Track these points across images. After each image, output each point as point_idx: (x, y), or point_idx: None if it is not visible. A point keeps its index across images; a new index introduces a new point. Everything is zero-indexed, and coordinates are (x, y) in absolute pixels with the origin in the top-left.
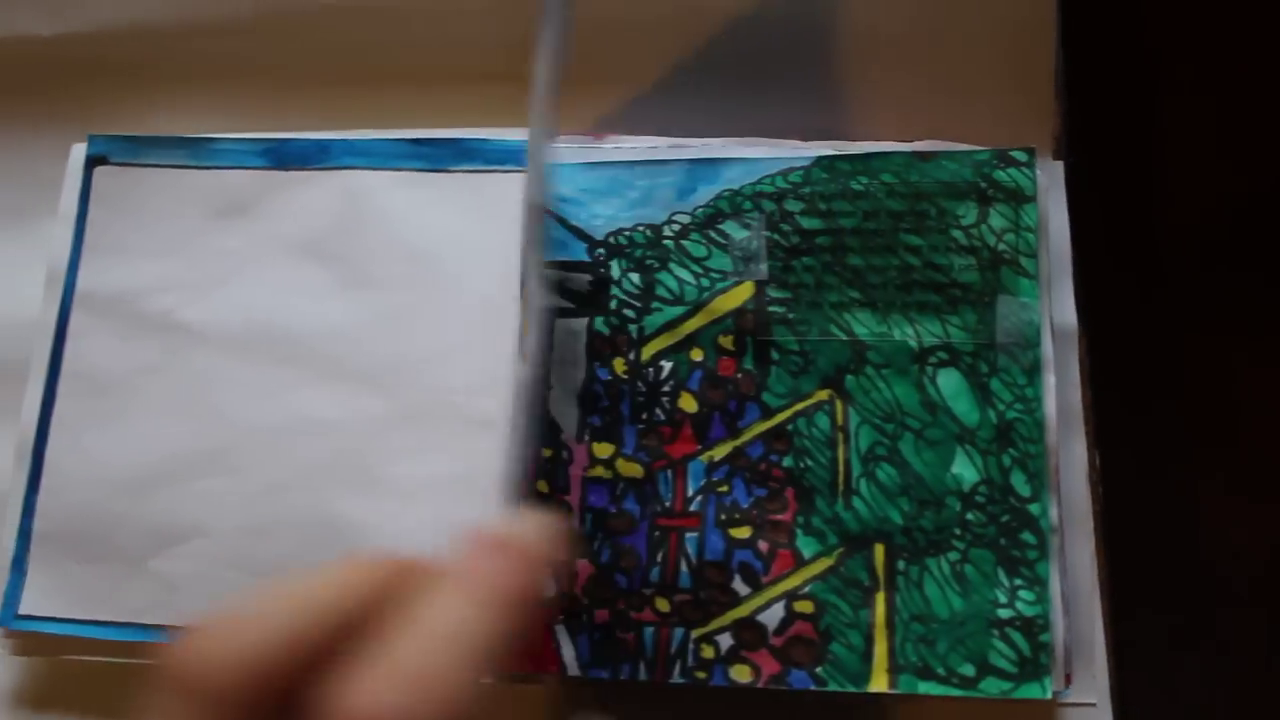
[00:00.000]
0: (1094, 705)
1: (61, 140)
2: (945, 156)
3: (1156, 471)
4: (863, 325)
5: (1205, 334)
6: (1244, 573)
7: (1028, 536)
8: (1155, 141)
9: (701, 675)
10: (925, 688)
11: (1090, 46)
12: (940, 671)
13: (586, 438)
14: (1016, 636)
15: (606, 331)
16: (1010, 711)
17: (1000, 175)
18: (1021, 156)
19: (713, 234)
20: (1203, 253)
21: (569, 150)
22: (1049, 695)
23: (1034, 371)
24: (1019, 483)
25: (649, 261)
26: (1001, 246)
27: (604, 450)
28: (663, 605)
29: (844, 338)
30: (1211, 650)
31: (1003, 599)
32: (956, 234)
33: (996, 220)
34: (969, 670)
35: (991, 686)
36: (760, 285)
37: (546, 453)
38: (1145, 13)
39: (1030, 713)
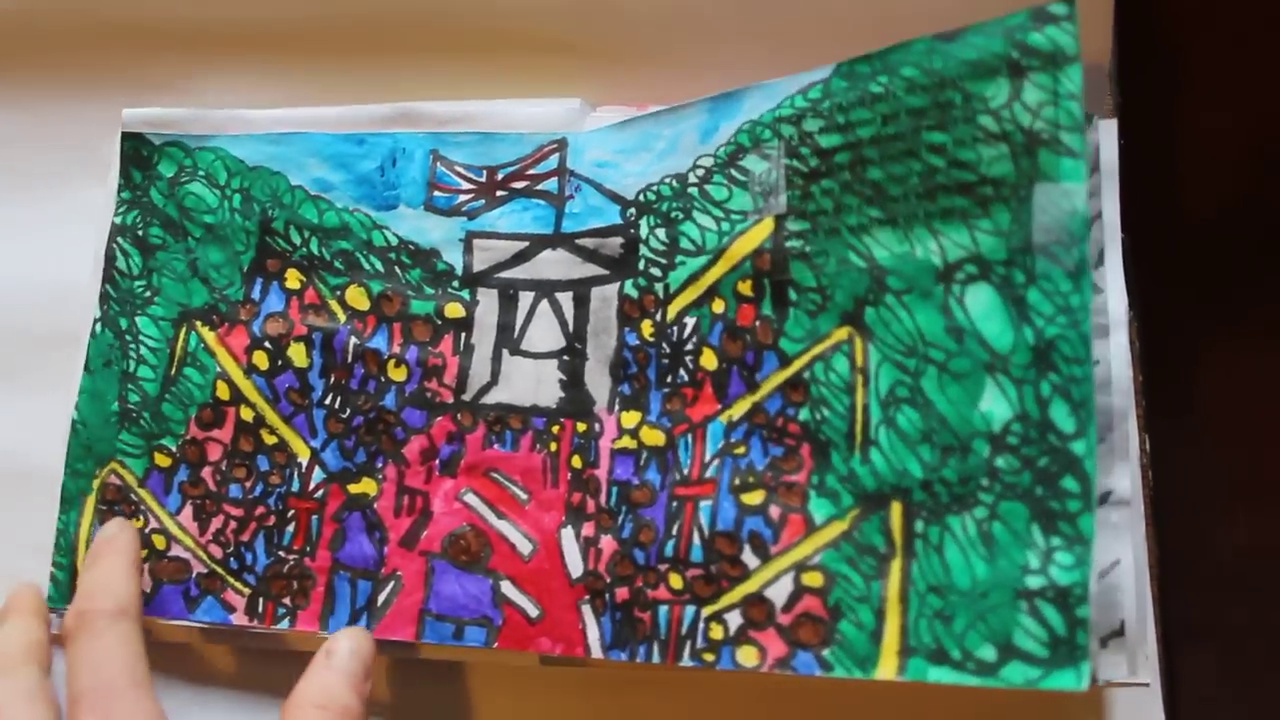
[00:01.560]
0: (1147, 685)
1: (109, 108)
2: (973, 31)
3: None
4: (883, 248)
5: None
6: None
7: (1069, 483)
8: (1175, 124)
9: (710, 658)
10: (936, 674)
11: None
12: (955, 655)
13: (616, 407)
14: (1048, 610)
15: (635, 294)
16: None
17: (1036, 38)
18: (1061, 9)
19: (733, 172)
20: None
21: (611, 119)
22: (1083, 685)
23: (1079, 274)
24: (1060, 416)
25: (674, 214)
26: (1038, 125)
27: (631, 419)
28: (676, 581)
29: (862, 265)
30: (1262, 632)
31: (1034, 564)
32: (985, 120)
33: (1031, 94)
34: (988, 654)
35: (1015, 674)
36: (779, 220)
37: (581, 427)
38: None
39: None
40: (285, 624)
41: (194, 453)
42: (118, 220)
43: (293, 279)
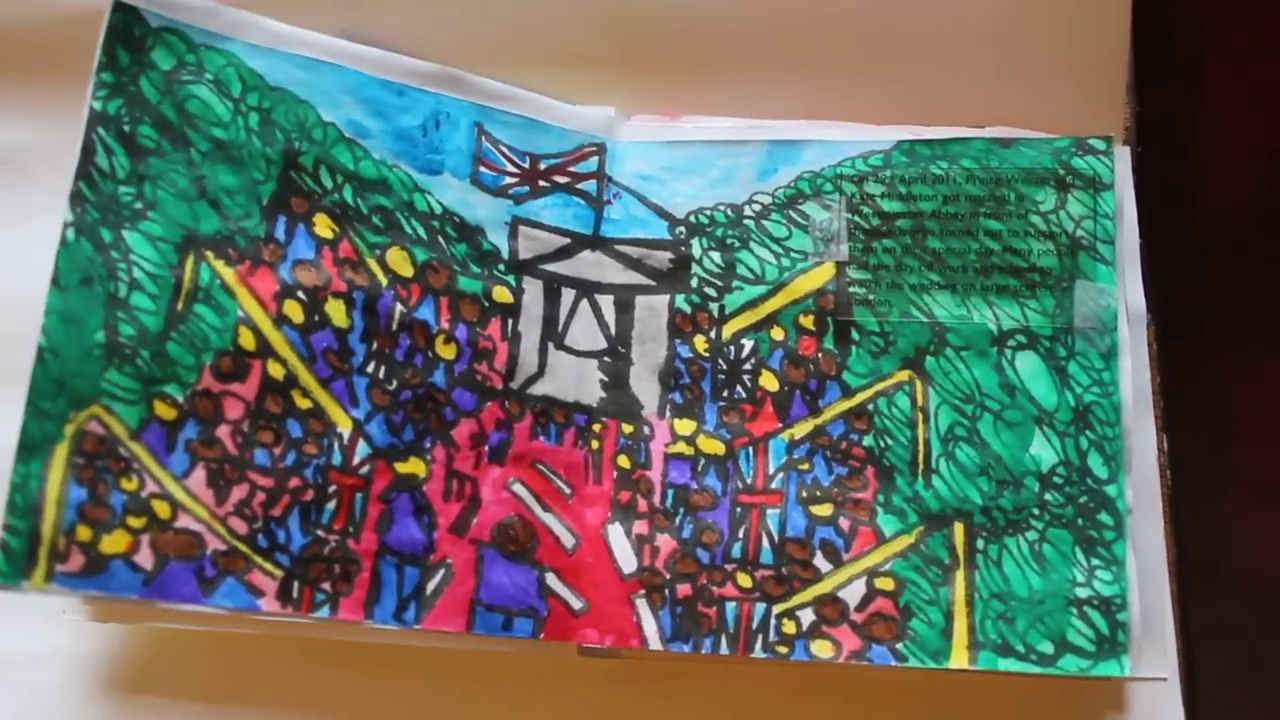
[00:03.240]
0: (1165, 680)
1: None
2: (1024, 143)
3: (1214, 453)
4: (942, 308)
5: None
6: None
7: (1105, 518)
8: (1193, 130)
9: (783, 650)
10: (1005, 664)
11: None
12: (1019, 649)
13: (668, 414)
14: (1095, 615)
15: (688, 309)
16: (1082, 682)
17: (1079, 163)
18: (1100, 144)
19: (793, 214)
20: (1247, 244)
21: (647, 129)
22: (1126, 673)
23: (1111, 356)
24: (1096, 465)
25: (730, 240)
26: (1080, 233)
27: (685, 427)
28: (745, 580)
29: (924, 319)
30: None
31: (1080, 578)
32: (1035, 219)
33: (1075, 207)
34: (1048, 648)
35: (1070, 664)
36: (841, 266)
37: (628, 429)
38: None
39: (1102, 685)
40: (324, 612)
41: (207, 407)
42: (96, 106)
43: (323, 226)
